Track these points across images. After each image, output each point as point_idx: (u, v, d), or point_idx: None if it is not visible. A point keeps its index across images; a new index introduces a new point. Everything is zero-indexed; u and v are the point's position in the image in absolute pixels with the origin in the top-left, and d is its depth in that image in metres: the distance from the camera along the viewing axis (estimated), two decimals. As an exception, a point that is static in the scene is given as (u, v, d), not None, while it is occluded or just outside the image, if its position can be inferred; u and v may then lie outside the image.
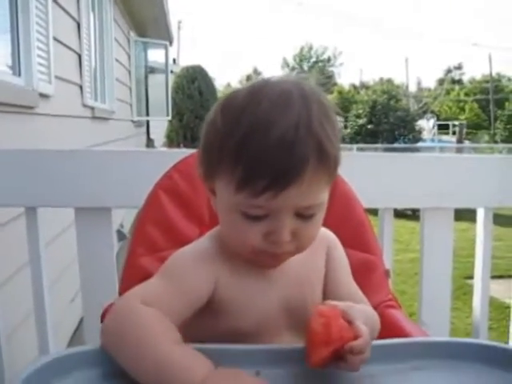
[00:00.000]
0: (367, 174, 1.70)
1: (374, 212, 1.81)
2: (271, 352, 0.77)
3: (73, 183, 1.62)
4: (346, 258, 0.96)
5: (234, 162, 0.73)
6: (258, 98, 0.74)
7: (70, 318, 3.28)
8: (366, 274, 1.10)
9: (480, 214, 1.88)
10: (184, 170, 1.21)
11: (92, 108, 4.85)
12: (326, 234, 0.94)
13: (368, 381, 0.73)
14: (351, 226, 1.18)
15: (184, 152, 1.35)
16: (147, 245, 1.15)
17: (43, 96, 3.18)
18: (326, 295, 0.89)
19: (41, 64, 3.21)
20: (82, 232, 1.65)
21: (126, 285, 1.12)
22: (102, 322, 1.05)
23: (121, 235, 5.02)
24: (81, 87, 4.47)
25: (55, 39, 3.55)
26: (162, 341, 0.70)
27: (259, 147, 0.71)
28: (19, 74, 2.98)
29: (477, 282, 1.91)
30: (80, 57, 4.46)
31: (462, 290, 4.91)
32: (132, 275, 1.13)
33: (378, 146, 14.93)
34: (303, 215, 0.76)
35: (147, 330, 0.71)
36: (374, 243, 1.21)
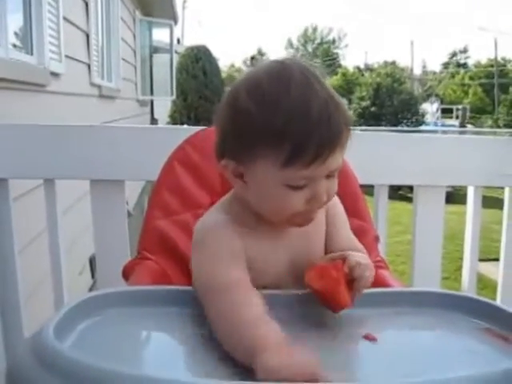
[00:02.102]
0: (364, 152, 1.80)
1: (370, 192, 1.92)
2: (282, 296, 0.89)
3: (88, 157, 1.73)
4: (345, 214, 1.07)
5: (280, 142, 0.81)
6: (285, 82, 0.83)
7: (79, 289, 3.42)
8: (359, 238, 1.22)
9: (470, 192, 1.98)
10: (196, 143, 1.33)
11: (99, 86, 4.94)
12: None
13: (357, 323, 0.85)
14: (347, 197, 1.30)
15: (190, 129, 1.47)
16: (163, 209, 1.28)
17: (54, 74, 3.28)
18: (328, 247, 1.00)
19: (52, 43, 3.30)
20: (97, 202, 1.77)
21: (143, 244, 1.26)
22: (123, 277, 1.19)
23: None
24: (89, 66, 4.56)
25: (65, 19, 3.63)
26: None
27: (303, 124, 0.81)
28: (31, 53, 3.08)
29: (466, 258, 2.02)
30: (88, 36, 4.54)
31: (461, 271, 5.01)
32: (149, 236, 1.26)
33: (381, 128, 14.94)
34: (330, 176, 0.88)
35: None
36: (366, 212, 1.34)
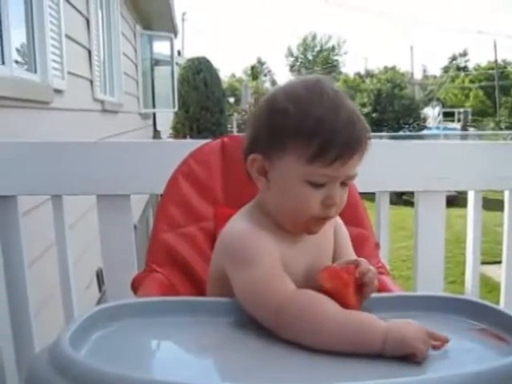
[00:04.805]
0: (365, 160, 1.83)
1: (372, 199, 1.96)
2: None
3: (94, 173, 1.77)
4: (348, 236, 1.14)
5: (310, 138, 0.91)
6: (318, 92, 0.94)
7: (87, 303, 3.45)
8: (360, 245, 1.26)
9: (470, 197, 2.01)
10: (199, 158, 1.38)
11: (102, 102, 4.99)
12: None
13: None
14: (347, 205, 1.33)
15: (194, 142, 1.51)
16: (169, 222, 1.32)
17: (57, 91, 3.32)
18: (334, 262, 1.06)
19: (54, 61, 3.35)
20: (104, 217, 1.80)
21: (151, 257, 1.30)
22: (132, 289, 1.23)
23: (132, 225, 5.18)
24: (91, 81, 4.61)
25: (67, 36, 3.68)
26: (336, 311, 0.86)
27: (331, 127, 0.91)
28: (35, 71, 3.13)
29: (468, 261, 2.05)
30: (90, 52, 4.59)
31: (467, 275, 5.00)
32: (156, 249, 1.31)
33: (383, 134, 14.97)
34: (344, 183, 0.97)
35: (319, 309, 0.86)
36: (366, 220, 1.38)
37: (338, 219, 1.12)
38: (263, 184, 0.99)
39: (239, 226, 1.00)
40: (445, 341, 0.82)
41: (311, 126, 0.91)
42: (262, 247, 0.94)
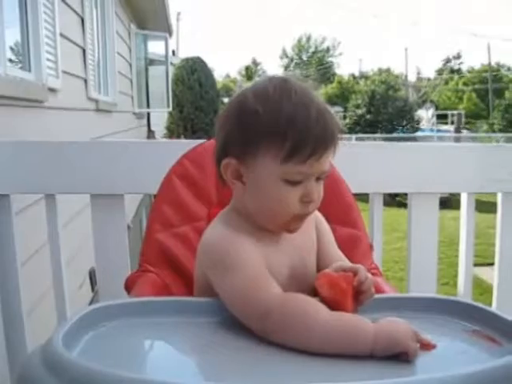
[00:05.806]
0: (359, 162, 1.85)
1: (365, 200, 1.96)
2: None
3: (88, 172, 1.77)
4: (331, 231, 1.13)
5: (283, 138, 0.90)
6: (287, 91, 0.94)
7: (80, 302, 3.44)
8: (353, 246, 1.27)
9: (463, 199, 2.02)
10: (193, 158, 1.38)
11: (96, 101, 4.99)
12: None
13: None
14: (340, 206, 1.35)
15: (189, 142, 1.51)
16: (162, 222, 1.31)
17: (51, 90, 3.32)
18: (319, 261, 1.06)
19: (49, 59, 3.34)
20: (97, 216, 1.80)
21: (144, 257, 1.30)
22: (126, 289, 1.22)
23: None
24: (85, 81, 4.60)
25: (61, 35, 3.68)
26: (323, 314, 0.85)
27: (303, 124, 0.91)
28: (29, 70, 3.12)
29: (461, 263, 2.05)
30: (84, 51, 4.58)
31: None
32: (150, 248, 1.31)
33: (377, 135, 15.01)
34: (319, 179, 0.96)
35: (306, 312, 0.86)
36: (360, 221, 1.38)
37: (319, 214, 1.10)
38: (239, 188, 0.98)
39: (218, 231, 0.99)
40: (428, 342, 0.83)
41: (283, 124, 0.90)
42: (244, 251, 0.93)
